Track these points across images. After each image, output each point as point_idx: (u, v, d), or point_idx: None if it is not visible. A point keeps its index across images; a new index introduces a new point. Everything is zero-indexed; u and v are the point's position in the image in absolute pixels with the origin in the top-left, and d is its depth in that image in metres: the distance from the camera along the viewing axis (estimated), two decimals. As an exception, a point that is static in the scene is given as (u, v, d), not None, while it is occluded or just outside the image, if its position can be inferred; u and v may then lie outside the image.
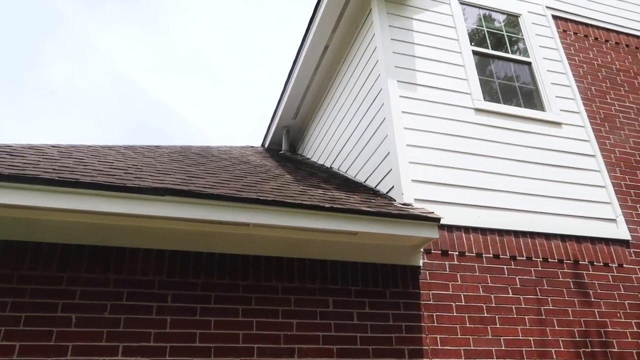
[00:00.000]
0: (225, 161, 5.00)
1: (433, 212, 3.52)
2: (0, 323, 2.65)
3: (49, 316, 2.75)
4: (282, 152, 7.07)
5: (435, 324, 3.43)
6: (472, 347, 3.43)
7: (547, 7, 5.61)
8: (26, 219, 2.85)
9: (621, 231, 4.36)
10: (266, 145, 7.57)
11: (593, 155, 4.70)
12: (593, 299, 3.94)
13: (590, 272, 4.07)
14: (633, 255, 4.30)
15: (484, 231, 3.92)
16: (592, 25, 5.78)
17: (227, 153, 5.83)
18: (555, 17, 5.60)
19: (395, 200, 3.85)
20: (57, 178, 2.76)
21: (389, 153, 4.10)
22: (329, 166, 5.76)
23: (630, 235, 4.38)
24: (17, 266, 2.81)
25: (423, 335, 3.36)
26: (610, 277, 4.11)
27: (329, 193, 3.83)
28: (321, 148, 6.16)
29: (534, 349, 3.58)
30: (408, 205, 3.73)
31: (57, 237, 2.91)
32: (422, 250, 3.64)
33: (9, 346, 2.62)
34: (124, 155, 4.29)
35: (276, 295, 3.19)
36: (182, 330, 2.91)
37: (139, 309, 2.89)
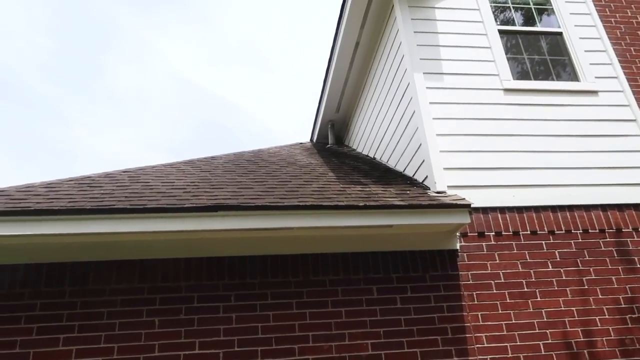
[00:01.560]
0: (274, 165, 5.43)
1: (464, 199, 3.74)
2: (100, 329, 3.24)
3: (137, 321, 3.31)
4: (328, 145, 7.42)
5: (476, 302, 3.68)
6: (513, 321, 3.65)
7: (577, -30, 5.49)
8: (108, 242, 3.42)
9: (667, 194, 4.32)
10: (314, 140, 7.94)
11: (633, 120, 4.65)
12: (638, 266, 3.99)
13: (635, 239, 4.10)
14: (682, 217, 4.26)
15: (519, 209, 4.08)
16: (629, -19, 5.58)
17: (276, 155, 6.27)
18: (586, -21, 5.46)
19: (429, 189, 4.10)
20: (129, 206, 3.30)
21: (420, 145, 4.33)
22: (372, 156, 6.04)
23: (678, 197, 4.33)
24: (107, 281, 3.39)
25: (464, 314, 3.63)
26: (657, 241, 4.12)
27: (367, 189, 4.14)
28: (364, 139, 6.45)
29: (577, 318, 3.73)
30: (441, 193, 3.97)
31: (135, 254, 3.46)
32: (458, 234, 3.88)
33: (109, 348, 3.21)
34: (184, 172, 4.83)
35: (324, 287, 3.58)
36: (246, 324, 3.38)
37: (208, 309, 3.39)
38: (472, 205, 3.76)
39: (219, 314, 3.39)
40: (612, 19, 5.27)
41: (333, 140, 7.52)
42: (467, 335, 3.55)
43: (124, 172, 4.70)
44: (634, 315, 3.80)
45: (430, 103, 4.39)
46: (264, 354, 3.30)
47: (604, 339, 3.68)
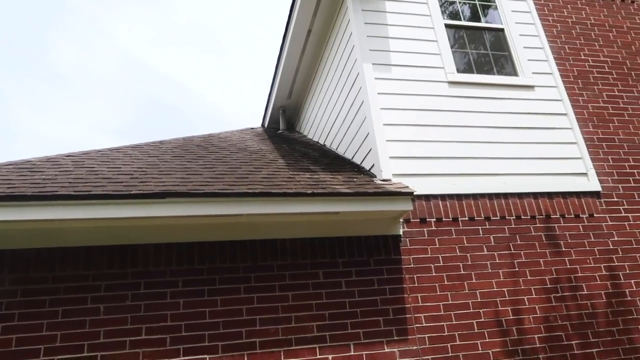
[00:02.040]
0: (224, 151, 5.42)
1: (407, 187, 3.91)
2: (43, 317, 3.20)
3: (81, 308, 3.28)
4: (280, 131, 7.46)
5: (416, 285, 3.89)
6: (450, 302, 3.89)
7: (519, -32, 5.74)
8: (52, 228, 3.35)
9: (592, 184, 4.69)
10: (266, 125, 7.95)
11: (565, 114, 4.98)
12: (564, 249, 4.34)
13: (562, 225, 4.44)
14: (604, 204, 4.65)
15: (459, 197, 4.31)
16: (566, -19, 5.90)
17: (227, 140, 6.25)
18: (528, -22, 5.73)
19: (376, 177, 4.25)
20: (73, 193, 3.24)
21: (368, 134, 4.46)
22: (322, 143, 6.14)
23: (601, 186, 4.72)
24: (50, 269, 3.33)
25: (405, 295, 3.83)
26: (580, 227, 4.48)
27: (316, 176, 4.24)
28: (315, 126, 6.53)
29: (507, 298, 4.02)
30: (387, 181, 4.13)
31: (80, 240, 3.42)
32: (401, 220, 4.06)
33: (52, 335, 3.17)
34: (131, 157, 4.75)
35: (272, 272, 3.67)
36: (194, 309, 3.43)
37: (155, 295, 3.41)
38: (415, 193, 3.95)
39: (166, 299, 3.41)
40: (550, 18, 5.58)
41: (284, 126, 7.56)
42: (407, 316, 3.75)
43: (67, 156, 4.56)
44: (557, 295, 4.13)
45: (379, 93, 4.53)
46: (211, 337, 3.37)
47: (530, 316, 4.00)
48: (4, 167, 4.01)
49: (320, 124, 6.24)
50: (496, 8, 5.46)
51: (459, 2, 5.41)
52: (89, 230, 3.42)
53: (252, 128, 7.87)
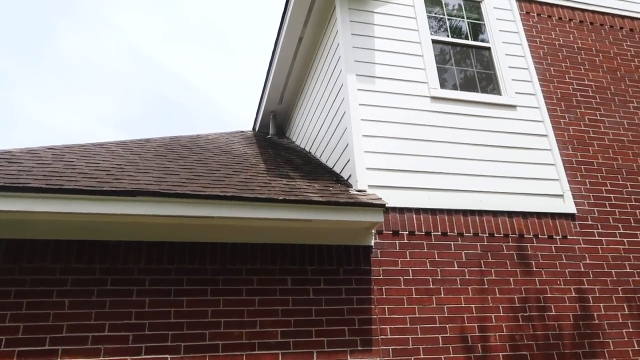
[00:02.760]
0: (208, 152, 5.46)
1: (380, 199, 3.95)
2: (5, 308, 3.21)
3: (46, 301, 3.30)
4: (269, 136, 7.50)
5: (384, 296, 3.91)
6: (417, 315, 3.91)
7: (510, -11, 5.82)
8: (21, 220, 3.37)
9: (567, 205, 4.73)
10: (256, 129, 8.00)
11: (545, 135, 5.03)
12: (535, 269, 4.37)
13: (534, 245, 4.48)
14: (578, 227, 4.69)
15: (433, 211, 4.35)
16: (556, 5, 5.98)
17: (214, 142, 6.29)
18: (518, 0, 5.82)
19: (351, 187, 4.29)
20: (44, 186, 3.27)
21: (347, 145, 4.51)
22: (308, 150, 6.19)
23: (577, 208, 4.76)
24: (17, 260, 3.35)
25: (372, 306, 3.85)
26: (553, 248, 4.52)
27: (292, 183, 4.28)
28: (302, 133, 6.58)
29: (474, 314, 4.04)
30: (362, 191, 4.17)
31: (49, 234, 3.44)
32: (373, 231, 4.09)
33: (15, 327, 3.19)
34: (113, 153, 4.78)
35: (240, 276, 3.69)
36: (159, 309, 3.45)
37: (121, 293, 3.43)
38: (389, 205, 4.00)
39: (132, 297, 3.43)
40: (537, 39, 5.65)
41: (274, 131, 7.61)
42: (373, 327, 3.78)
43: (49, 149, 4.59)
44: (525, 314, 4.16)
45: (360, 105, 4.57)
46: (174, 337, 3.38)
47: (496, 334, 4.02)
48: (-18, 156, 4.03)
49: (307, 131, 6.29)
50: (484, 27, 5.53)
51: (448, 19, 5.47)
52: (59, 224, 3.45)
53: (242, 131, 7.91)
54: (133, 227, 3.59)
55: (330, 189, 4.19)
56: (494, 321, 4.07)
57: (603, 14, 6.14)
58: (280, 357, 3.52)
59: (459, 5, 5.61)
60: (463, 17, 5.55)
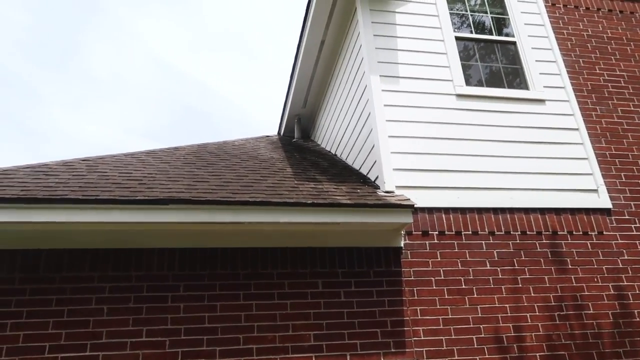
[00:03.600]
0: (235, 158, 5.53)
1: (408, 199, 3.93)
2: (48, 315, 3.33)
3: (86, 308, 3.41)
4: (294, 140, 7.55)
5: (416, 297, 3.89)
6: (450, 316, 3.87)
7: (534, -18, 5.71)
8: (60, 230, 3.49)
9: (602, 200, 4.61)
10: (282, 133, 8.06)
11: (577, 129, 4.91)
12: (570, 266, 4.27)
13: (569, 241, 4.37)
14: (614, 222, 4.56)
15: (463, 210, 4.30)
16: (583, -5, 5.83)
17: (240, 148, 6.37)
18: (543, -9, 5.70)
19: (379, 188, 4.28)
20: (81, 197, 3.38)
21: (373, 146, 4.50)
22: (334, 153, 6.20)
23: (612, 203, 4.63)
24: (58, 269, 3.47)
25: (404, 308, 3.83)
26: (589, 244, 4.40)
27: (320, 186, 4.30)
28: (327, 136, 6.60)
29: (509, 314, 3.98)
30: (389, 193, 4.15)
31: (86, 243, 3.55)
32: (403, 232, 4.07)
33: (57, 334, 3.30)
34: (144, 162, 4.90)
35: (272, 280, 3.73)
36: (193, 314, 3.52)
37: (157, 299, 3.51)
38: (418, 206, 3.97)
39: (168, 303, 3.51)
40: (565, 31, 5.52)
41: (299, 135, 7.65)
42: (406, 329, 3.76)
43: (82, 160, 4.74)
44: (562, 313, 4.07)
45: (385, 105, 4.56)
46: (209, 342, 3.44)
47: (532, 334, 3.94)
48: (22, 169, 4.20)
49: (332, 134, 6.31)
50: (509, 22, 5.43)
51: (471, 15, 5.41)
52: (95, 234, 3.55)
53: (267, 136, 7.98)
54: (166, 234, 3.67)
55: (358, 191, 4.19)
56: (529, 321, 3.99)
57: (633, 1, 5.95)
58: (313, 360, 3.54)
59: (482, 0, 5.53)
60: (486, 12, 5.47)
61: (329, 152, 6.40)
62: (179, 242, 3.69)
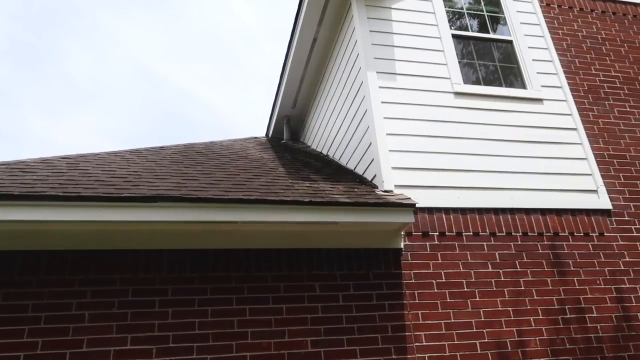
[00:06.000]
0: (224, 158, 5.31)
1: (409, 198, 3.77)
2: (24, 323, 3.06)
3: (66, 314, 3.14)
4: (283, 141, 7.35)
5: (417, 301, 3.72)
6: (452, 320, 3.71)
7: (529, -19, 5.65)
8: (38, 230, 3.23)
9: (602, 201, 4.52)
10: (270, 135, 7.86)
11: (575, 129, 4.83)
12: (572, 268, 4.15)
13: (570, 243, 4.26)
14: (615, 223, 4.47)
15: (463, 211, 4.15)
16: (577, -4, 5.80)
17: (229, 148, 6.14)
18: (538, -9, 5.64)
19: (377, 188, 4.11)
20: (61, 194, 3.12)
21: (371, 143, 4.34)
22: (325, 154, 6.02)
23: (612, 204, 4.54)
24: (35, 272, 3.20)
25: (405, 312, 3.66)
26: (590, 246, 4.30)
27: (315, 185, 4.11)
28: (318, 136, 6.42)
29: (512, 318, 3.83)
30: (388, 192, 3.99)
31: (67, 244, 3.29)
32: (403, 233, 3.91)
33: (33, 342, 3.03)
34: (128, 161, 4.64)
35: (266, 283, 3.52)
36: (183, 320, 3.28)
37: (143, 304, 3.26)
38: (417, 205, 3.81)
39: (155, 308, 3.27)
40: (560, 31, 5.47)
41: (288, 136, 7.46)
42: (407, 334, 3.58)
43: (62, 158, 4.46)
44: (565, 316, 3.94)
45: (382, 102, 4.41)
46: (199, 350, 3.21)
47: (536, 338, 3.80)
48: (-4, 167, 3.91)
49: (324, 134, 6.13)
50: (505, 20, 5.36)
51: (467, 13, 5.31)
52: (77, 234, 3.30)
53: (255, 137, 7.77)
54: (153, 234, 3.43)
55: (356, 190, 4.01)
56: (533, 325, 3.85)
57: (625, 3, 5.95)
58: (311, 368, 3.33)
59: (478, -2, 5.45)
60: (482, 11, 5.38)
61: (320, 152, 6.22)
62: (168, 242, 3.46)
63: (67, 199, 3.07)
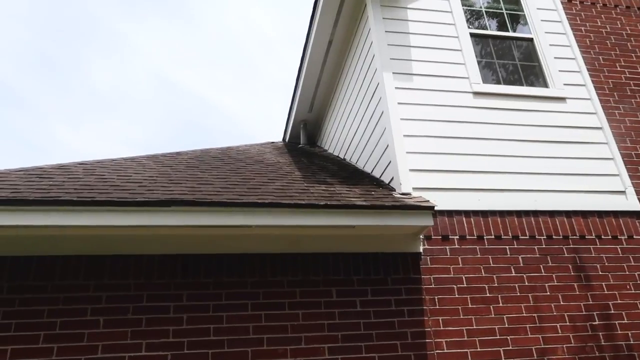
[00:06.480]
0: (240, 162, 5.28)
1: (428, 201, 3.66)
2: (39, 328, 3.05)
3: (80, 320, 3.12)
4: (300, 145, 7.30)
5: (437, 307, 3.60)
6: (474, 327, 3.58)
7: (549, -22, 5.51)
8: (53, 235, 3.22)
9: (631, 202, 4.34)
10: (287, 139, 7.82)
11: (600, 128, 4.66)
12: (600, 273, 3.98)
13: (598, 246, 4.10)
14: (644, 226, 4.28)
15: (484, 214, 4.02)
16: (600, -9, 5.63)
17: (245, 153, 6.12)
18: (559, -12, 5.49)
19: (395, 190, 4.01)
20: (75, 198, 3.11)
21: (388, 145, 4.25)
22: (342, 157, 5.95)
23: (641, 205, 4.35)
24: (50, 277, 3.19)
25: (425, 318, 3.54)
26: (619, 249, 4.12)
27: (331, 188, 4.03)
28: (335, 140, 6.35)
29: (537, 325, 3.68)
30: (406, 194, 3.89)
31: (81, 249, 3.28)
32: (422, 236, 3.80)
33: (48, 349, 3.01)
34: (144, 166, 4.64)
35: (282, 289, 3.45)
36: (198, 325, 3.23)
37: (158, 309, 3.22)
38: (437, 208, 3.70)
39: (169, 314, 3.23)
40: (582, 28, 5.30)
41: (305, 140, 7.41)
42: (427, 341, 3.46)
43: (79, 164, 4.49)
44: (593, 323, 3.77)
45: (399, 103, 4.32)
46: (214, 356, 3.15)
47: (563, 346, 3.65)
48: (14, 172, 3.94)
49: (340, 137, 6.06)
50: (524, 18, 5.22)
51: (486, 12, 5.19)
52: (91, 238, 3.28)
53: (272, 142, 7.74)
54: (167, 239, 3.40)
55: (373, 193, 3.92)
56: (559, 331, 3.69)
57: (651, -2, 5.75)
58: (328, 375, 3.24)
59: (497, -4, 5.33)
60: (501, 9, 5.26)
61: (337, 156, 6.14)
62: (182, 247, 3.42)
63: (81, 204, 3.05)
